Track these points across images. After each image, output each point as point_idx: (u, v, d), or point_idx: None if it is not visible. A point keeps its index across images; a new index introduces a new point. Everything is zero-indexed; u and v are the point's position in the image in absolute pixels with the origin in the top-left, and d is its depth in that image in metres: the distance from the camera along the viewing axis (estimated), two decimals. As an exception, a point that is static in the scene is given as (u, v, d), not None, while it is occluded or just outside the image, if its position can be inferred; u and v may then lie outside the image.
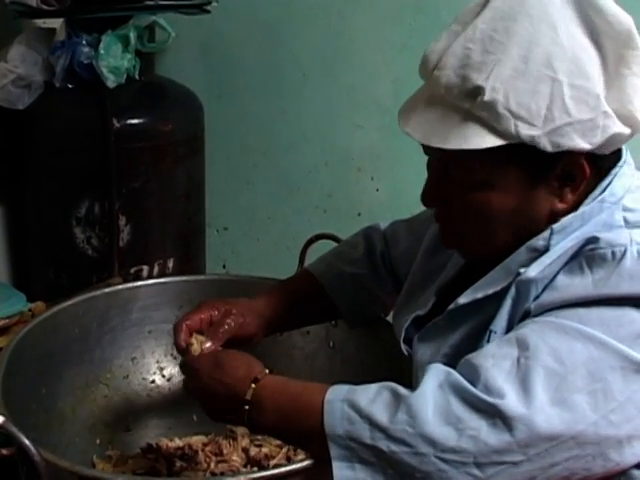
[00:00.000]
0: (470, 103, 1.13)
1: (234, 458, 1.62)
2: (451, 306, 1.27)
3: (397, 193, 2.66)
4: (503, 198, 1.18)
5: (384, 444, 1.08)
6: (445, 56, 1.16)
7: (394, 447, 1.07)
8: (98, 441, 1.70)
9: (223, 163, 2.82)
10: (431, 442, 1.06)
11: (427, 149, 1.23)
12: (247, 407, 1.20)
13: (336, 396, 1.13)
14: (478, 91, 1.12)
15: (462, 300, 1.25)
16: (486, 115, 1.12)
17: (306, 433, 1.15)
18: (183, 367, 1.36)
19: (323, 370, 1.74)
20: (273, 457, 1.63)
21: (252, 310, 1.51)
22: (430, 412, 1.07)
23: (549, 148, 1.12)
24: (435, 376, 1.11)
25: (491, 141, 1.13)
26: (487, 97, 1.11)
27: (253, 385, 1.21)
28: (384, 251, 1.60)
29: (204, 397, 1.27)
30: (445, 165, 1.21)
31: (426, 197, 1.25)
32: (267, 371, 1.25)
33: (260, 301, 1.55)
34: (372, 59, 2.61)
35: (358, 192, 2.73)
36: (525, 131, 1.11)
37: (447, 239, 1.30)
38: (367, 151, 2.69)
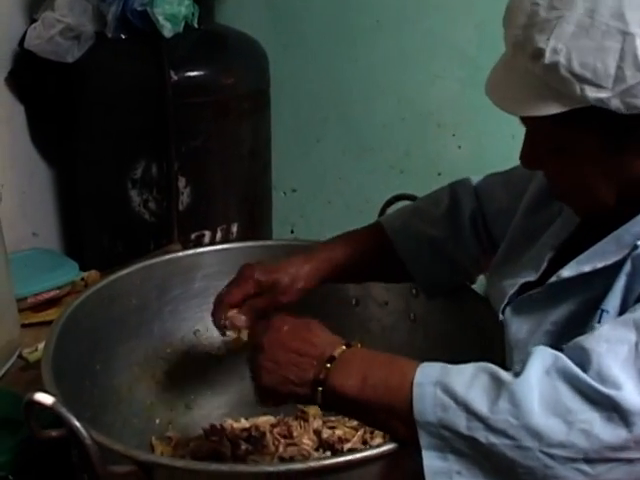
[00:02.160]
0: (534, 66, 1.11)
1: (305, 441, 1.60)
2: (553, 279, 1.23)
3: (481, 150, 2.65)
4: (587, 165, 1.15)
5: (482, 435, 1.05)
6: (514, 13, 1.14)
7: (494, 439, 1.04)
8: (157, 421, 1.69)
9: (291, 119, 2.82)
10: (537, 435, 1.02)
11: None
12: (329, 366, 1.17)
13: (427, 378, 1.09)
14: (540, 53, 1.09)
15: (566, 273, 1.21)
16: (549, 79, 1.10)
17: (392, 410, 1.12)
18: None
19: (403, 345, 1.70)
20: (347, 440, 1.61)
21: (303, 272, 1.51)
22: (536, 401, 1.03)
23: (622, 110, 1.08)
24: (541, 360, 1.07)
25: (556, 107, 1.10)
26: (547, 60, 1.08)
27: (343, 347, 1.19)
28: (475, 209, 1.55)
29: (276, 355, 1.21)
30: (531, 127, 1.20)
31: (522, 159, 1.24)
32: (359, 345, 1.23)
33: (318, 256, 1.54)
34: (452, 1, 2.57)
35: (438, 150, 2.71)
36: (592, 94, 1.08)
37: (556, 196, 1.28)
38: (448, 104, 2.67)
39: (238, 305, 1.46)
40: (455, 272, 1.59)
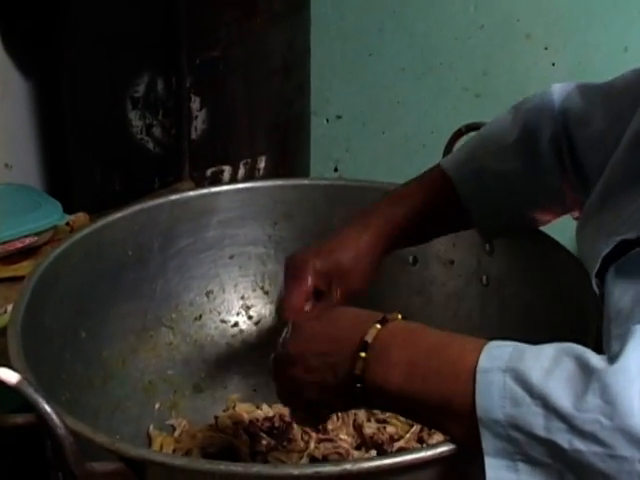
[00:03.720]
0: None
1: (342, 437, 1.60)
2: None
3: (581, 69, 2.69)
4: None
5: (565, 438, 1.01)
6: None
7: (580, 444, 1.01)
8: (157, 405, 1.70)
9: (335, 25, 2.85)
10: (637, 442, 0.99)
11: None
12: (364, 355, 1.15)
13: (494, 362, 1.06)
14: None
15: None
16: None
17: (447, 408, 1.09)
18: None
19: (471, 316, 1.71)
20: (401, 437, 1.60)
21: (364, 243, 1.52)
22: (637, 397, 1.00)
23: None
24: None
25: None
26: None
27: (378, 325, 1.18)
28: (557, 132, 1.52)
29: (307, 362, 1.23)
30: None
31: None
32: (400, 316, 1.21)
33: (375, 220, 1.55)
34: None
35: (525, 67, 2.74)
36: None
37: None
38: (539, 9, 2.69)
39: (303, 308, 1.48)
40: (528, 210, 1.58)
